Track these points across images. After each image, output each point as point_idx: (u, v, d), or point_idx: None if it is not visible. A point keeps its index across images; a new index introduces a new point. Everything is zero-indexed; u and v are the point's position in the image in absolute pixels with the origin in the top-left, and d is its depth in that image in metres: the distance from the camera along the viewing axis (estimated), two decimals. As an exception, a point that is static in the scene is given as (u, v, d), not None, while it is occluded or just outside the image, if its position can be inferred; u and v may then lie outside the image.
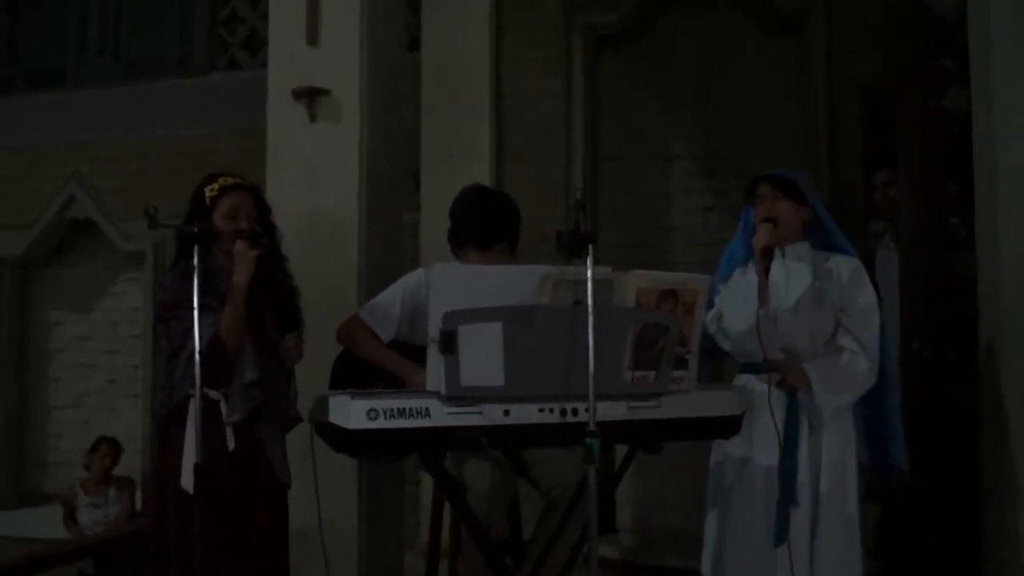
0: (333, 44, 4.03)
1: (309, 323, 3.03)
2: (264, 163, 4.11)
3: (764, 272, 2.77)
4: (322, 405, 2.34)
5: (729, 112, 5.70)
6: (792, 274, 2.83)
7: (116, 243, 7.19)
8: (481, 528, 2.70)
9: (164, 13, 7.45)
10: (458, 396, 2.27)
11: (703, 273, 2.70)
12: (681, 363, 2.54)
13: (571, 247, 2.26)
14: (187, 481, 2.57)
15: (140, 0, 7.53)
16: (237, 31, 7.30)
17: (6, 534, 6.85)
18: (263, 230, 2.86)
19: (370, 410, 2.22)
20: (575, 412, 2.36)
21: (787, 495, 2.74)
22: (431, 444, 2.34)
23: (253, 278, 2.75)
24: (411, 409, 2.26)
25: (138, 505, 5.93)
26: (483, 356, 2.25)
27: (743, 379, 2.91)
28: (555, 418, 2.37)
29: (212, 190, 2.88)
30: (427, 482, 4.50)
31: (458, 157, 5.47)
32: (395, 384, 2.91)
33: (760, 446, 2.80)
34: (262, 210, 2.96)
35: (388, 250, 4.14)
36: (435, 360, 2.28)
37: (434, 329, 2.26)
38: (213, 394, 2.71)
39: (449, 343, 2.23)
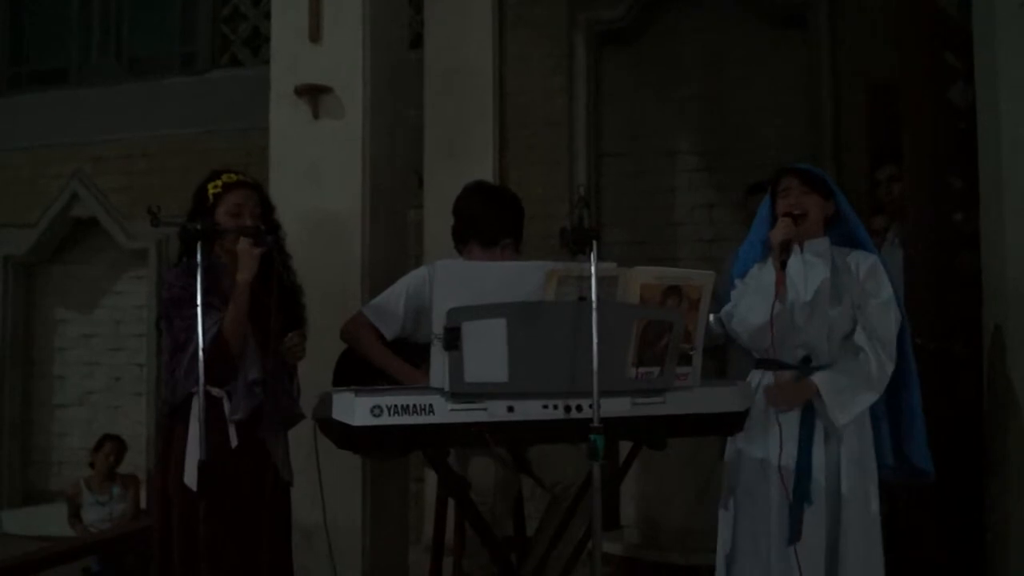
0: (336, 41, 4.03)
1: (312, 321, 3.03)
2: (267, 160, 4.11)
3: (781, 266, 2.76)
4: (326, 402, 2.34)
5: (733, 107, 5.70)
6: (809, 269, 2.81)
7: (120, 241, 7.20)
8: (485, 525, 2.70)
9: (166, 11, 7.46)
10: (462, 392, 2.26)
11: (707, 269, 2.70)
12: (685, 359, 2.53)
13: (575, 243, 2.26)
14: (190, 478, 2.57)
15: (143, -2, 7.56)
16: (239, 29, 7.30)
17: (12, 532, 6.88)
18: (266, 227, 2.86)
19: (374, 407, 2.21)
20: (579, 408, 2.35)
21: (801, 493, 2.72)
22: (435, 441, 2.34)
23: (256, 276, 2.75)
24: (415, 406, 2.25)
25: (143, 503, 5.94)
26: (487, 352, 2.25)
27: (758, 375, 2.90)
28: (559, 414, 2.36)
29: (215, 187, 2.88)
30: (431, 479, 4.50)
31: (461, 154, 5.47)
32: (399, 381, 2.91)
33: (775, 443, 2.78)
34: (265, 207, 2.96)
35: (391, 248, 4.14)
36: (439, 356, 2.27)
37: (438, 325, 2.25)
38: (216, 392, 2.72)
39: (453, 339, 2.22)
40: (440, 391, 2.28)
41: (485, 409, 2.30)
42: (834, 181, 2.99)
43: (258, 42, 7.09)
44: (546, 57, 5.78)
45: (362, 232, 3.96)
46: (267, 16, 4.70)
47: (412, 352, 2.98)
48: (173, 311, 2.76)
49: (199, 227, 2.59)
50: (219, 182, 2.89)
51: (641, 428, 2.52)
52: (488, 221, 3.10)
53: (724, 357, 4.11)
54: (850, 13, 5.36)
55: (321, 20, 4.03)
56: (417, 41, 5.67)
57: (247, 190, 2.91)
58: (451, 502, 2.95)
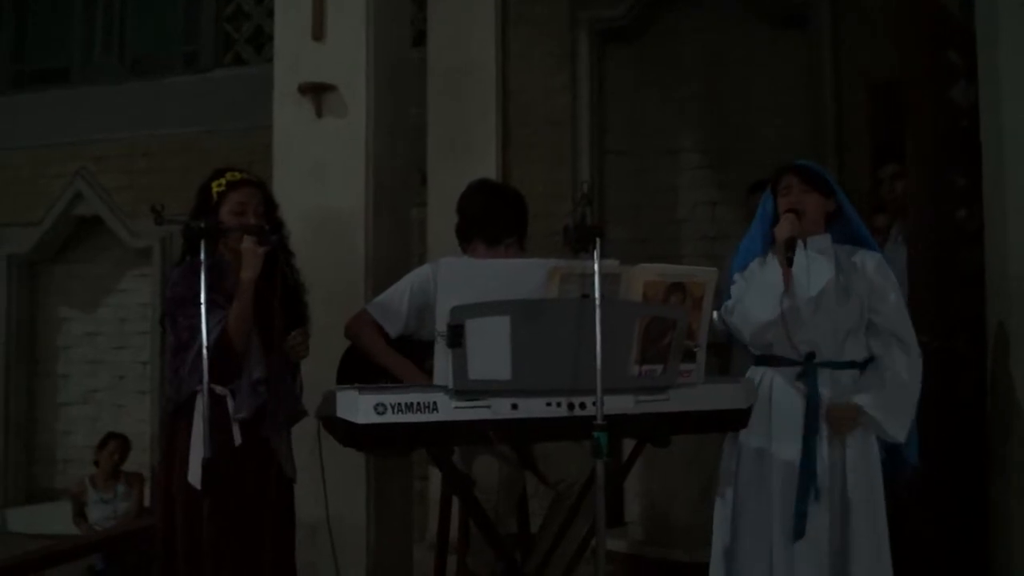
0: (339, 40, 4.03)
1: (315, 319, 3.03)
2: (270, 159, 4.11)
3: (787, 262, 2.77)
4: (330, 400, 2.34)
5: (735, 105, 5.70)
6: (813, 265, 2.81)
7: (123, 239, 7.21)
8: (489, 522, 2.71)
9: (169, 10, 7.46)
10: (466, 390, 2.27)
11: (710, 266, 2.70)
12: (688, 356, 2.53)
13: (578, 241, 2.26)
14: (194, 476, 2.58)
15: (145, -3, 7.57)
16: (243, 27, 7.31)
17: (16, 530, 6.91)
18: (270, 226, 2.86)
19: (378, 404, 2.22)
20: (583, 406, 2.36)
21: (806, 489, 2.72)
22: (439, 438, 2.35)
23: (260, 274, 2.75)
24: (419, 403, 2.26)
25: (147, 501, 5.93)
26: (491, 350, 2.26)
27: (759, 371, 2.90)
28: (563, 412, 2.37)
29: (219, 185, 2.88)
30: (435, 476, 4.51)
31: (464, 152, 5.47)
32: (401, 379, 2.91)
33: (779, 439, 2.78)
34: (269, 206, 2.95)
35: (394, 246, 4.14)
36: (443, 354, 2.28)
37: (442, 322, 2.26)
38: (220, 390, 2.72)
39: (456, 337, 2.23)
40: (444, 389, 2.28)
41: (489, 407, 2.31)
42: (835, 179, 2.99)
43: (261, 40, 7.10)
44: (548, 55, 5.79)
45: (365, 230, 3.96)
46: (270, 14, 4.70)
47: (416, 350, 2.98)
48: (177, 309, 2.76)
49: (203, 225, 2.58)
50: (223, 180, 2.89)
51: (645, 425, 2.53)
52: (492, 219, 3.11)
53: (727, 354, 4.11)
54: (851, 12, 5.36)
55: (324, 18, 4.03)
56: (420, 39, 5.68)
57: (251, 188, 2.90)
58: (455, 499, 2.96)
